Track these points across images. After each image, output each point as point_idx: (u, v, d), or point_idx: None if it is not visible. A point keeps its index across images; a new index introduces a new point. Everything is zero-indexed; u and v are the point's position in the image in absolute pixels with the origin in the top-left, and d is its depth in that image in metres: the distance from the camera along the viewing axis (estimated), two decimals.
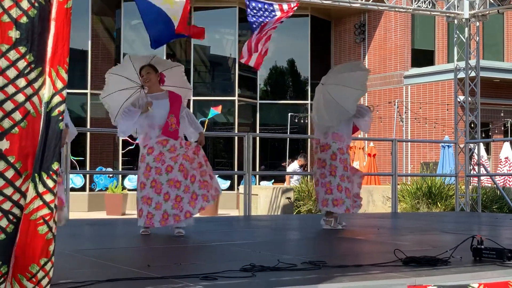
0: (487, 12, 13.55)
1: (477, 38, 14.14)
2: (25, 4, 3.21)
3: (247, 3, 9.16)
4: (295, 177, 17.80)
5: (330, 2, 12.69)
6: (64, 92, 3.28)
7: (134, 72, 7.41)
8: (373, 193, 15.12)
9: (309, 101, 24.21)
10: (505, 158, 20.50)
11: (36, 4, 3.23)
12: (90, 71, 22.40)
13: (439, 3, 14.13)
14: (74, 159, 20.26)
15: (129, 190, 21.40)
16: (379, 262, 4.97)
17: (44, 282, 3.20)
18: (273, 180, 22.14)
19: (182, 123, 7.37)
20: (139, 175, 7.23)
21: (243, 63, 9.40)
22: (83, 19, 22.04)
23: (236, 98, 23.72)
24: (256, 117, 24.55)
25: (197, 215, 7.70)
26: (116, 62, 23.22)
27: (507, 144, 20.66)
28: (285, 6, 8.99)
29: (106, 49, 23.58)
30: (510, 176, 19.56)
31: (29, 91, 3.22)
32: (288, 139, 23.35)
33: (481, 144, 15.54)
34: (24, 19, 3.21)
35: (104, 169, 21.59)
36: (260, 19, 8.88)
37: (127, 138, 22.08)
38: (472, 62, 14.11)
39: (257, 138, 23.72)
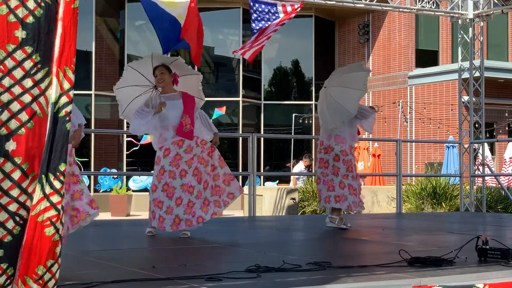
0: (491, 12, 13.52)
1: (481, 38, 14.12)
2: (31, 4, 3.20)
3: (251, 4, 9.16)
4: (301, 177, 17.80)
5: (334, 2, 12.68)
6: (71, 93, 3.27)
7: (152, 71, 7.40)
8: (378, 194, 15.11)
9: (313, 102, 24.21)
10: (510, 158, 20.44)
11: (43, 4, 3.22)
12: (94, 72, 22.42)
13: (443, 3, 14.11)
14: (78, 160, 20.28)
15: (133, 191, 21.42)
16: (384, 263, 4.97)
17: (51, 284, 3.19)
18: (277, 181, 22.13)
19: (196, 123, 7.33)
20: (153, 177, 7.23)
21: (239, 54, 9.32)
22: (87, 20, 22.05)
23: (240, 98, 23.72)
24: (261, 117, 24.54)
25: None
26: (121, 63, 23.27)
27: (511, 144, 20.62)
28: (288, 8, 8.98)
29: (110, 50, 23.60)
30: None
31: (35, 91, 3.21)
32: (292, 139, 23.34)
33: (486, 144, 15.51)
34: (30, 19, 3.20)
35: (108, 170, 21.60)
36: (263, 22, 8.88)
37: (132, 139, 22.20)
38: (476, 62, 14.09)
39: (262, 138, 23.72)
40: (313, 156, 21.46)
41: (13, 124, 3.14)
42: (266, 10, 9.14)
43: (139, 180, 22.26)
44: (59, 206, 3.19)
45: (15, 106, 3.15)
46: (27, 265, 3.13)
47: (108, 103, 23.68)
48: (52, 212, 3.17)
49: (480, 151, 14.07)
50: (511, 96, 23.15)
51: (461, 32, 14.02)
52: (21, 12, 3.18)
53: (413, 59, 23.76)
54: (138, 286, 4.14)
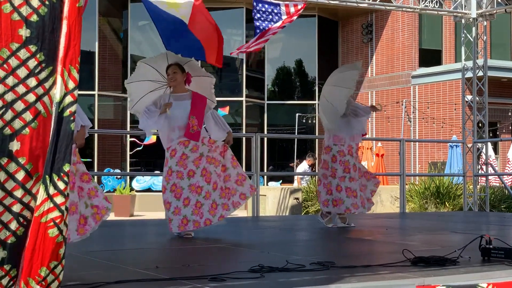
0: (494, 12, 13.51)
1: (485, 37, 14.10)
2: (35, 2, 3.18)
3: (254, 3, 9.16)
4: (305, 177, 17.81)
5: (337, 2, 12.67)
6: (76, 92, 3.24)
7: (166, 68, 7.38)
8: (381, 193, 15.09)
9: (316, 101, 24.19)
10: None
11: (47, 2, 3.21)
12: (98, 72, 22.44)
13: (446, 2, 14.11)
14: (82, 161, 20.29)
15: (137, 191, 21.43)
16: (387, 262, 4.97)
17: (54, 285, 3.17)
18: (281, 181, 22.13)
19: (207, 123, 7.29)
20: (162, 179, 7.24)
21: (236, 53, 9.29)
22: (90, 20, 22.07)
23: (243, 98, 23.73)
24: (264, 117, 24.55)
25: None
26: (124, 63, 23.29)
27: None
28: (291, 9, 8.98)
29: (113, 50, 23.61)
30: None
31: (40, 91, 3.19)
32: (296, 139, 23.34)
33: (489, 144, 15.49)
34: (34, 17, 3.18)
35: (112, 170, 21.62)
36: (266, 22, 8.88)
37: (135, 139, 22.22)
38: (480, 61, 14.08)
39: (265, 138, 23.73)
40: (317, 156, 21.47)
41: (17, 123, 3.12)
42: (270, 10, 9.13)
43: (143, 181, 22.28)
44: (63, 207, 3.16)
45: (19, 106, 3.14)
46: (30, 267, 3.11)
47: (111, 103, 23.70)
48: (56, 213, 3.15)
49: (484, 150, 14.06)
50: None
51: (465, 31, 14.01)
52: (25, 10, 3.16)
53: (416, 59, 23.75)
54: (141, 286, 4.14)
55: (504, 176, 16.61)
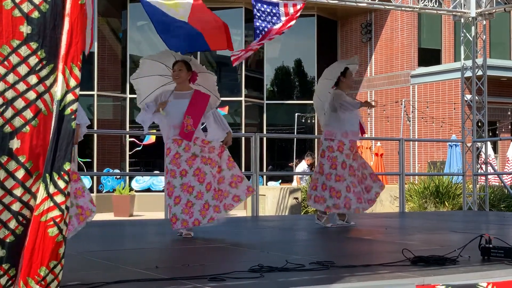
0: (493, 11, 13.51)
1: (484, 36, 14.10)
2: None
3: (254, 3, 9.15)
4: (305, 176, 17.81)
5: (337, 1, 12.67)
6: (77, 90, 3.21)
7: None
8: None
9: None
10: None
11: None
12: (97, 73, 22.44)
13: (445, 1, 14.11)
14: (81, 161, 20.30)
15: (136, 191, 21.43)
16: (387, 262, 4.96)
17: (53, 285, 3.16)
18: (280, 181, 22.13)
19: (207, 121, 7.26)
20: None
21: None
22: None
23: (243, 98, 23.72)
24: (263, 117, 24.55)
25: None
26: (123, 64, 23.28)
27: None
28: (290, 9, 8.96)
29: (112, 51, 23.61)
30: None
31: (40, 88, 3.17)
32: (295, 139, 23.34)
33: (489, 143, 15.49)
34: (35, 14, 3.16)
35: (111, 171, 21.61)
36: (264, 24, 8.86)
37: (134, 139, 22.21)
38: (479, 60, 14.08)
39: (264, 138, 23.73)
40: (316, 155, 21.47)
41: (18, 121, 3.10)
42: (268, 10, 9.12)
43: (142, 181, 22.28)
44: (63, 206, 3.14)
45: (20, 103, 3.11)
46: (29, 266, 3.09)
47: (111, 103, 23.69)
48: (56, 212, 3.13)
49: (483, 149, 14.06)
50: None
51: (464, 30, 14.01)
52: (26, 6, 3.14)
53: (415, 58, 23.75)
54: (141, 286, 4.13)
55: (504, 175, 16.61)
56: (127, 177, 22.34)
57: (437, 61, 23.89)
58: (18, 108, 3.11)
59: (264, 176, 22.87)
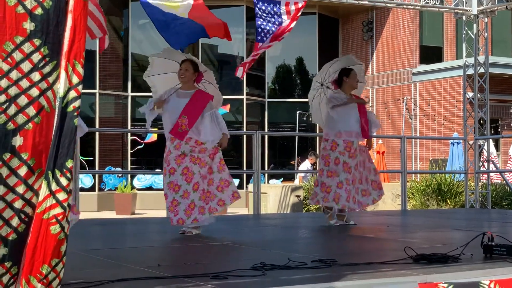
0: (495, 8, 13.49)
1: (486, 34, 14.08)
2: None
3: (255, 2, 9.13)
4: (307, 175, 17.82)
5: None
6: (80, 87, 3.20)
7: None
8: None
9: None
10: None
11: None
12: (98, 71, 22.43)
13: None
14: (83, 159, 20.30)
15: (138, 189, 21.44)
16: (389, 260, 4.96)
17: (55, 283, 3.15)
18: (282, 179, 22.13)
19: (202, 121, 7.18)
20: None
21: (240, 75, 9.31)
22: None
23: (244, 96, 23.72)
24: (265, 115, 24.54)
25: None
26: (124, 62, 23.28)
27: None
28: (292, 7, 8.94)
29: (114, 49, 23.60)
30: None
31: (43, 85, 3.16)
32: (296, 137, 23.34)
33: (491, 141, 15.47)
34: (39, 11, 3.14)
35: (113, 169, 21.62)
36: (265, 23, 8.85)
37: (136, 137, 22.21)
38: (481, 58, 14.06)
39: (266, 136, 23.73)
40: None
41: (20, 118, 3.09)
42: (269, 9, 9.11)
43: (144, 179, 22.28)
44: (65, 204, 3.13)
45: (23, 100, 3.10)
46: (31, 264, 3.08)
47: (112, 101, 23.70)
48: (58, 210, 3.12)
49: (485, 147, 14.04)
50: None
51: (466, 28, 13.99)
52: (29, 3, 3.12)
53: (417, 56, 23.74)
54: (143, 284, 4.13)
55: (506, 173, 16.59)
56: (129, 175, 22.35)
57: (439, 59, 23.88)
58: (21, 105, 3.10)
59: (266, 174, 22.86)
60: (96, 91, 22.37)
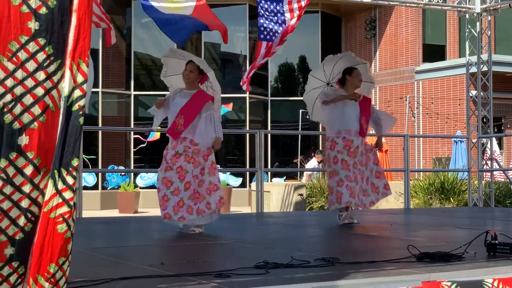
0: (498, 6, 13.48)
1: (489, 32, 14.07)
2: None
3: (258, 0, 9.13)
4: (314, 173, 17.82)
5: None
6: (85, 86, 3.21)
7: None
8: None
9: None
10: None
11: None
12: (101, 70, 22.44)
13: None
14: (86, 158, 20.32)
15: (141, 188, 21.44)
16: (392, 258, 4.96)
17: (62, 282, 3.15)
18: (285, 177, 22.12)
19: (198, 123, 7.21)
20: None
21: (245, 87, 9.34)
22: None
23: (247, 95, 23.71)
24: (268, 114, 24.53)
25: None
26: (127, 61, 23.28)
27: None
28: (294, 5, 8.93)
29: (117, 48, 23.59)
30: None
31: (48, 84, 3.16)
32: (299, 135, 23.33)
33: (494, 139, 15.45)
34: (43, 10, 3.14)
35: (116, 167, 21.63)
36: (267, 21, 8.85)
37: (139, 136, 22.22)
38: (484, 56, 14.05)
39: (269, 135, 23.72)
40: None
41: (26, 118, 3.09)
42: (272, 7, 9.10)
43: (147, 177, 22.29)
44: (72, 202, 3.14)
45: (28, 99, 3.10)
46: (38, 263, 3.08)
47: (115, 100, 23.71)
48: (65, 209, 3.12)
49: (488, 145, 14.04)
50: None
51: (469, 26, 13.98)
52: (34, 2, 3.12)
53: (420, 54, 23.71)
54: (146, 282, 4.14)
55: (509, 171, 16.58)
56: (132, 173, 22.36)
57: (442, 57, 23.84)
58: (27, 104, 3.10)
59: (269, 173, 22.86)
60: (99, 89, 22.38)
